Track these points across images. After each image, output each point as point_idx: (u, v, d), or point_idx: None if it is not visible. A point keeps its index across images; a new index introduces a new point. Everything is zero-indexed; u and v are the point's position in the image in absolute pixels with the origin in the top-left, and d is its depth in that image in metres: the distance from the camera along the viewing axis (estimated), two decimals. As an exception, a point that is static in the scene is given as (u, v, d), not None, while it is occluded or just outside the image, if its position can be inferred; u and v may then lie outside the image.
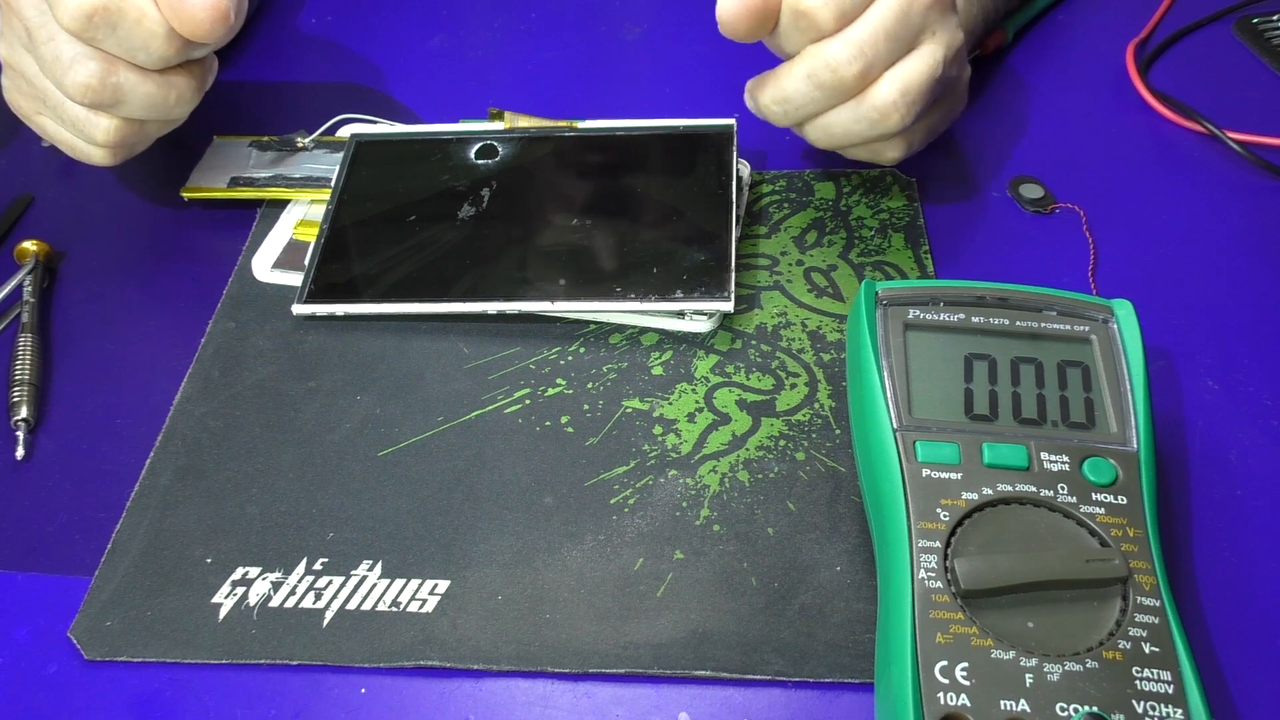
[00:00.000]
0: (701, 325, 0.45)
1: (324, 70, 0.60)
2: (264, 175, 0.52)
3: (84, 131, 0.44)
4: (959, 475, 0.34)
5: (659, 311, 0.45)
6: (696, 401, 0.43)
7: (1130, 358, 0.37)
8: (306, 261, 0.47)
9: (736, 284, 0.45)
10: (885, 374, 0.36)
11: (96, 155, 0.46)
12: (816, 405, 0.42)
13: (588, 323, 0.46)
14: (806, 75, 0.42)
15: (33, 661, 0.36)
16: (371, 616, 0.36)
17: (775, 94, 0.44)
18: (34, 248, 0.49)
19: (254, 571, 0.38)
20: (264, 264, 0.48)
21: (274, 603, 0.37)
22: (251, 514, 0.39)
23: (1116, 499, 0.34)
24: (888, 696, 0.31)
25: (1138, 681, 0.30)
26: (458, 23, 0.64)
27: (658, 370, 0.44)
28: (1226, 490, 0.39)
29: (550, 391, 0.43)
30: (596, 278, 0.45)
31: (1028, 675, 0.30)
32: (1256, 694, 0.34)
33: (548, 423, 0.42)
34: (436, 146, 0.52)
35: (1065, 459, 0.34)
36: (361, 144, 0.52)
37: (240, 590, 0.37)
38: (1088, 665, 0.30)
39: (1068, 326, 0.38)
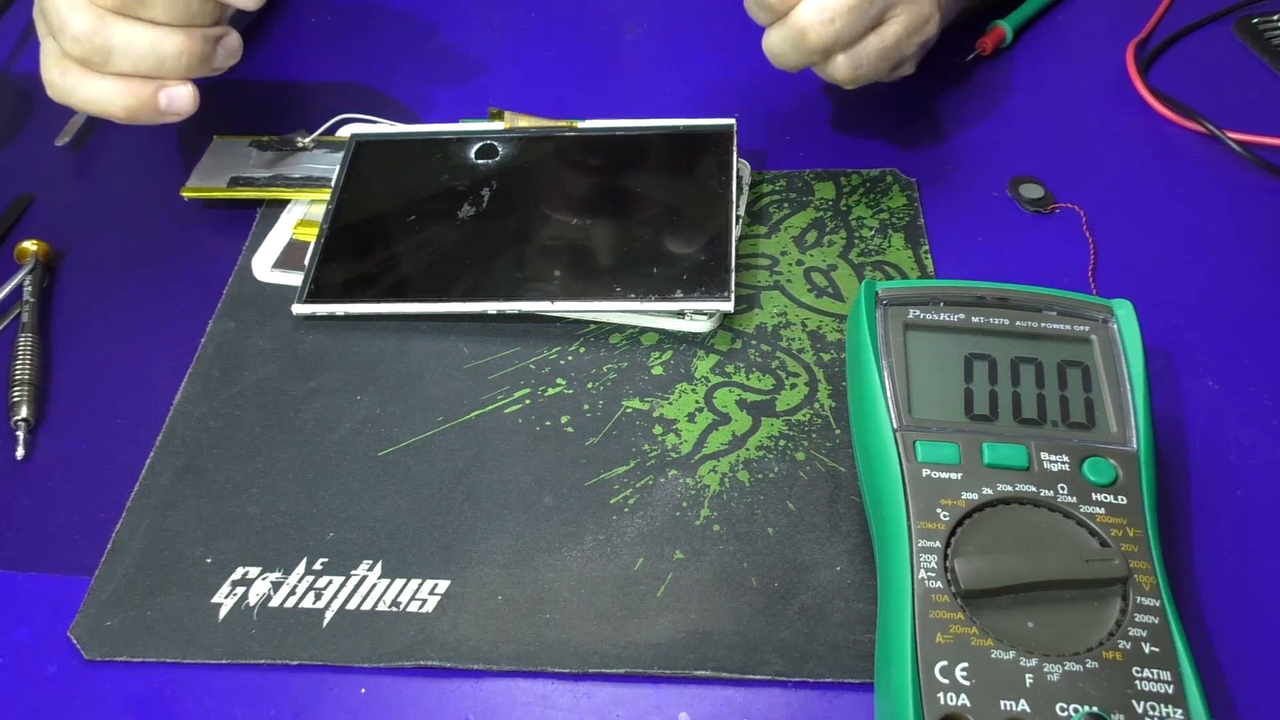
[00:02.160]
0: (701, 325, 0.45)
1: (324, 70, 0.60)
2: (264, 175, 0.52)
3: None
4: (959, 475, 0.34)
5: (659, 311, 0.45)
6: (696, 401, 0.43)
7: (1130, 358, 0.37)
8: (306, 261, 0.47)
9: (736, 284, 0.45)
10: (885, 374, 0.36)
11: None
12: (816, 405, 0.42)
13: (588, 323, 0.46)
14: None
15: (33, 661, 0.36)
16: (371, 616, 0.36)
17: (746, 5, 0.46)
18: (34, 248, 0.49)
19: (254, 571, 0.38)
20: (264, 264, 0.48)
21: (274, 603, 0.37)
22: (251, 514, 0.39)
23: (1116, 499, 0.34)
24: (888, 696, 0.31)
25: (1138, 681, 0.30)
26: (458, 23, 0.64)
27: (658, 370, 0.44)
28: (1226, 490, 0.39)
29: (550, 391, 0.43)
30: (596, 277, 0.45)
31: (1028, 675, 0.30)
32: (1256, 694, 0.34)
33: (548, 423, 0.42)
34: (436, 146, 0.52)
35: (1065, 459, 0.34)
36: (361, 144, 0.52)
37: (240, 590, 0.37)
38: (1088, 665, 0.30)
39: (1068, 326, 0.38)
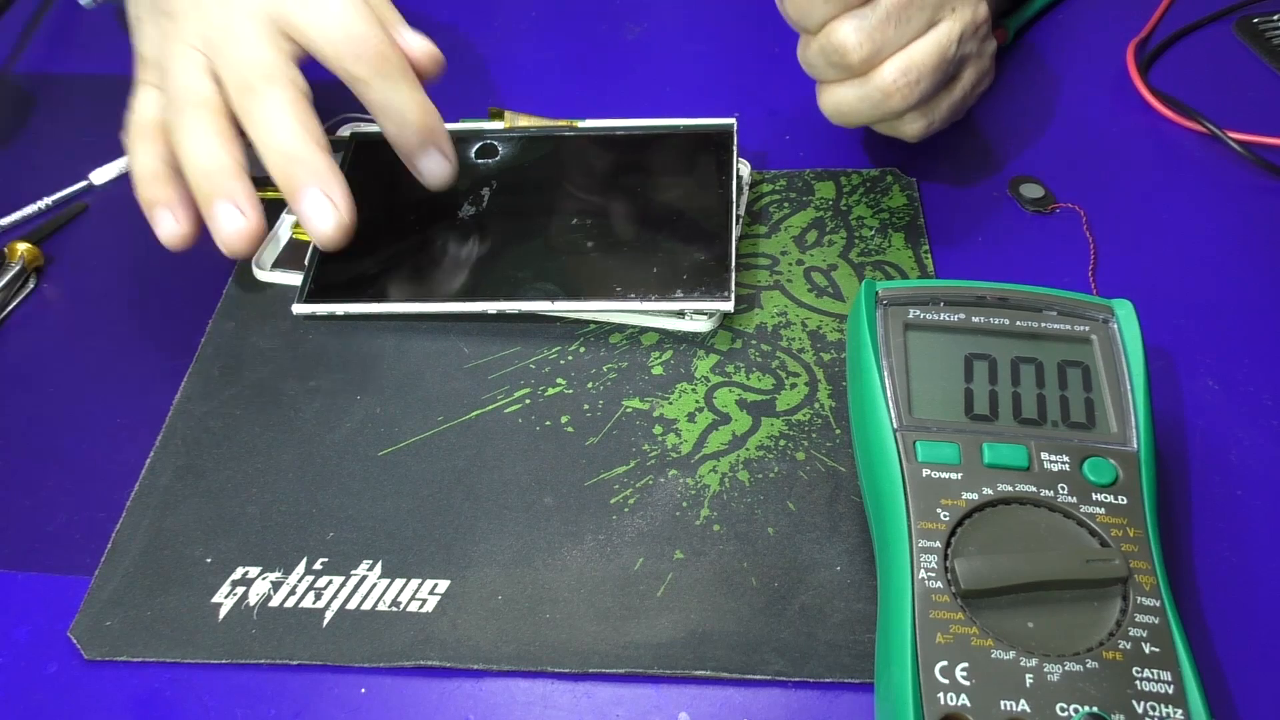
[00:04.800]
0: (701, 325, 0.45)
1: (324, 70, 0.60)
2: (264, 175, 0.51)
3: None
4: (959, 475, 0.34)
5: (659, 311, 0.45)
6: (696, 401, 0.43)
7: (1130, 358, 0.37)
8: (306, 261, 0.47)
9: (736, 284, 0.45)
10: (885, 374, 0.36)
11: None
12: (816, 405, 0.42)
13: (588, 323, 0.46)
14: (820, 50, 0.43)
15: (33, 661, 0.36)
16: (371, 616, 0.36)
17: (800, 55, 0.45)
18: (22, 250, 0.48)
19: (254, 571, 0.38)
20: (264, 264, 0.48)
21: (274, 602, 0.37)
22: (251, 514, 0.39)
23: (1116, 499, 0.34)
24: (888, 696, 0.31)
25: (1138, 681, 0.30)
26: (458, 23, 0.64)
27: (658, 370, 0.44)
28: (1226, 490, 0.39)
29: (550, 391, 0.43)
30: (596, 277, 0.45)
31: (1028, 675, 0.30)
32: (1256, 694, 0.34)
33: (548, 422, 0.42)
34: (436, 146, 0.52)
35: (1065, 459, 0.34)
36: (361, 144, 0.52)
37: (240, 590, 0.37)
38: (1088, 665, 0.30)
39: (1068, 326, 0.38)
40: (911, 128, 0.45)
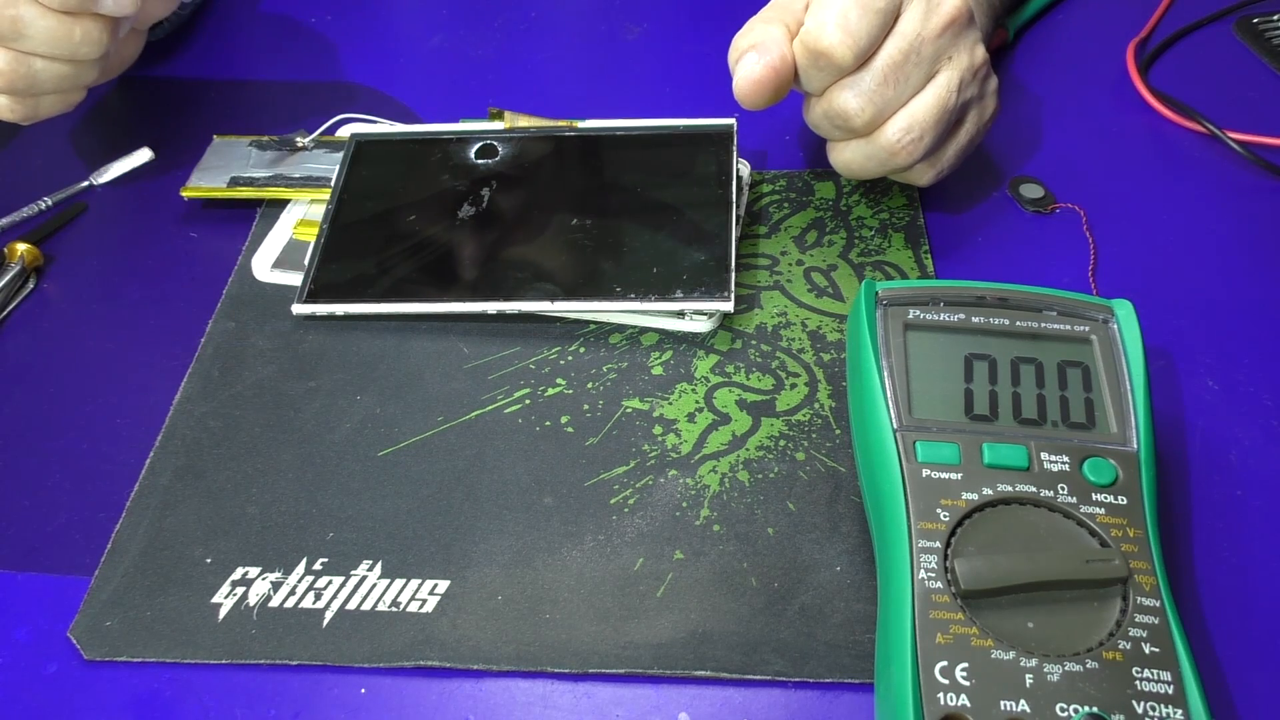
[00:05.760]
0: (701, 325, 0.45)
1: (324, 70, 0.61)
2: (264, 175, 0.52)
3: None
4: (959, 475, 0.34)
5: (659, 311, 0.45)
6: (696, 401, 0.43)
7: (1130, 358, 0.37)
8: (306, 261, 0.47)
9: (736, 284, 0.45)
10: (885, 374, 0.36)
11: None
12: (816, 405, 0.42)
13: (588, 323, 0.46)
14: (824, 115, 0.44)
15: (33, 661, 0.36)
16: (371, 616, 0.36)
17: (806, 116, 0.46)
18: (22, 250, 0.48)
19: (254, 571, 0.38)
20: (264, 264, 0.48)
21: (274, 603, 0.37)
22: (251, 514, 0.39)
23: (1116, 499, 0.34)
24: (888, 696, 0.31)
25: (1138, 682, 0.30)
26: (458, 23, 0.64)
27: (658, 370, 0.44)
28: (1226, 490, 0.39)
29: (550, 391, 0.43)
30: (596, 278, 0.45)
31: (1028, 675, 0.30)
32: (1256, 694, 0.34)
33: (548, 423, 0.42)
34: (436, 146, 0.52)
35: (1065, 459, 0.34)
36: (361, 144, 0.52)
37: (240, 590, 0.37)
38: (1088, 665, 0.30)
39: (1068, 326, 0.38)
40: (922, 178, 0.46)
